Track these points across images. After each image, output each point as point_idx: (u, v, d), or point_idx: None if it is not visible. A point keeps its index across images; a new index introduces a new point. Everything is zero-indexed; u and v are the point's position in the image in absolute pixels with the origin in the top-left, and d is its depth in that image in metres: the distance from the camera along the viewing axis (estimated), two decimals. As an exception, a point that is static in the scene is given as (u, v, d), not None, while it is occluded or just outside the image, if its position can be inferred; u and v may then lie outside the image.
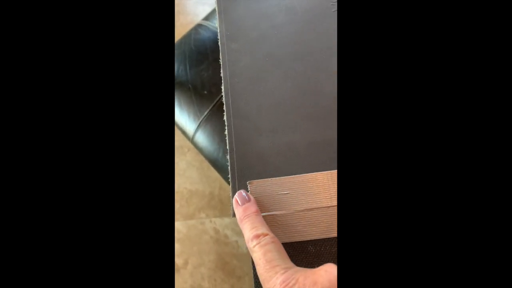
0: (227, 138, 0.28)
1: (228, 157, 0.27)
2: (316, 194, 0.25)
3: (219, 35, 0.30)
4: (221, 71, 0.29)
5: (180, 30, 1.07)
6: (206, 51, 0.60)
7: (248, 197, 0.25)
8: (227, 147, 0.28)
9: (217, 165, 0.54)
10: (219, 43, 0.30)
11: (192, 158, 0.91)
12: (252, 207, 0.24)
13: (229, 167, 0.27)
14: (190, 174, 0.90)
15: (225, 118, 0.28)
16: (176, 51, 0.61)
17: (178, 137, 0.83)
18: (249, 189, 0.26)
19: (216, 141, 0.54)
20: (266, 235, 0.22)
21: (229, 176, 0.26)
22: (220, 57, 0.29)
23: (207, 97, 0.56)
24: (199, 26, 0.64)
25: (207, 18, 0.64)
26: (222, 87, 0.29)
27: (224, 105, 0.28)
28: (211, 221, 0.86)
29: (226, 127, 0.28)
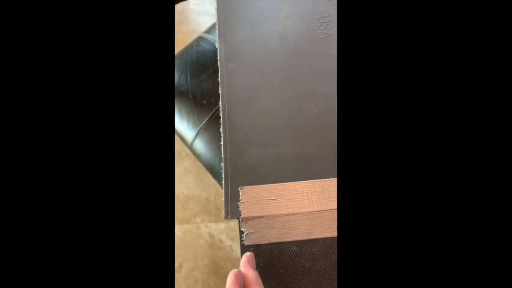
0: (222, 148, 0.31)
1: (222, 165, 0.31)
2: (300, 200, 0.29)
3: (218, 56, 0.34)
4: (219, 88, 0.33)
5: (182, 38, 1.11)
6: (207, 63, 0.63)
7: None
8: (222, 156, 0.31)
9: (214, 171, 0.57)
10: (218, 63, 0.33)
11: (189, 163, 0.94)
12: (259, 279, 0.25)
13: (223, 174, 0.30)
14: (187, 179, 0.93)
15: (221, 130, 0.32)
16: (178, 62, 0.65)
17: (176, 143, 0.85)
18: (240, 194, 0.29)
19: (213, 148, 0.57)
20: None
21: (223, 182, 0.30)
22: (219, 76, 0.33)
23: (206, 106, 0.60)
24: (200, 38, 0.67)
25: (208, 31, 0.67)
26: (220, 103, 0.32)
27: (221, 119, 0.32)
28: (206, 226, 0.88)
29: (221, 139, 0.31)
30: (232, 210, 0.28)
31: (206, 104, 0.61)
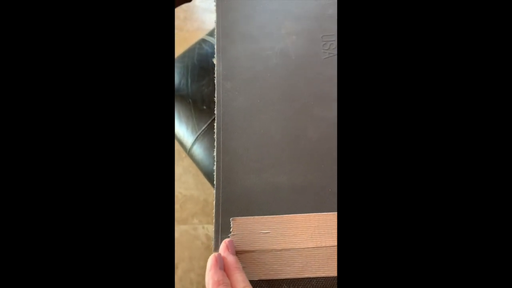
0: (215, 173, 0.29)
1: (214, 192, 0.29)
2: (294, 235, 0.27)
3: (216, 73, 0.32)
4: (215, 109, 0.31)
5: (187, 36, 1.09)
6: (208, 67, 0.61)
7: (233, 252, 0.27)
8: (215, 182, 0.29)
9: (212, 178, 0.55)
10: (215, 81, 0.31)
11: (189, 164, 0.93)
12: (239, 263, 0.25)
13: (214, 202, 0.29)
14: (185, 180, 0.92)
15: (215, 153, 0.30)
16: (179, 64, 0.63)
17: (176, 143, 0.84)
18: (232, 226, 0.27)
19: (212, 155, 0.55)
20: None
21: (214, 211, 0.28)
22: (215, 96, 0.31)
23: (206, 112, 0.58)
24: (203, 41, 0.65)
25: (211, 33, 0.65)
26: (215, 124, 0.31)
27: (215, 141, 0.30)
28: (203, 228, 0.87)
29: (215, 163, 0.30)
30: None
31: (206, 109, 0.59)
